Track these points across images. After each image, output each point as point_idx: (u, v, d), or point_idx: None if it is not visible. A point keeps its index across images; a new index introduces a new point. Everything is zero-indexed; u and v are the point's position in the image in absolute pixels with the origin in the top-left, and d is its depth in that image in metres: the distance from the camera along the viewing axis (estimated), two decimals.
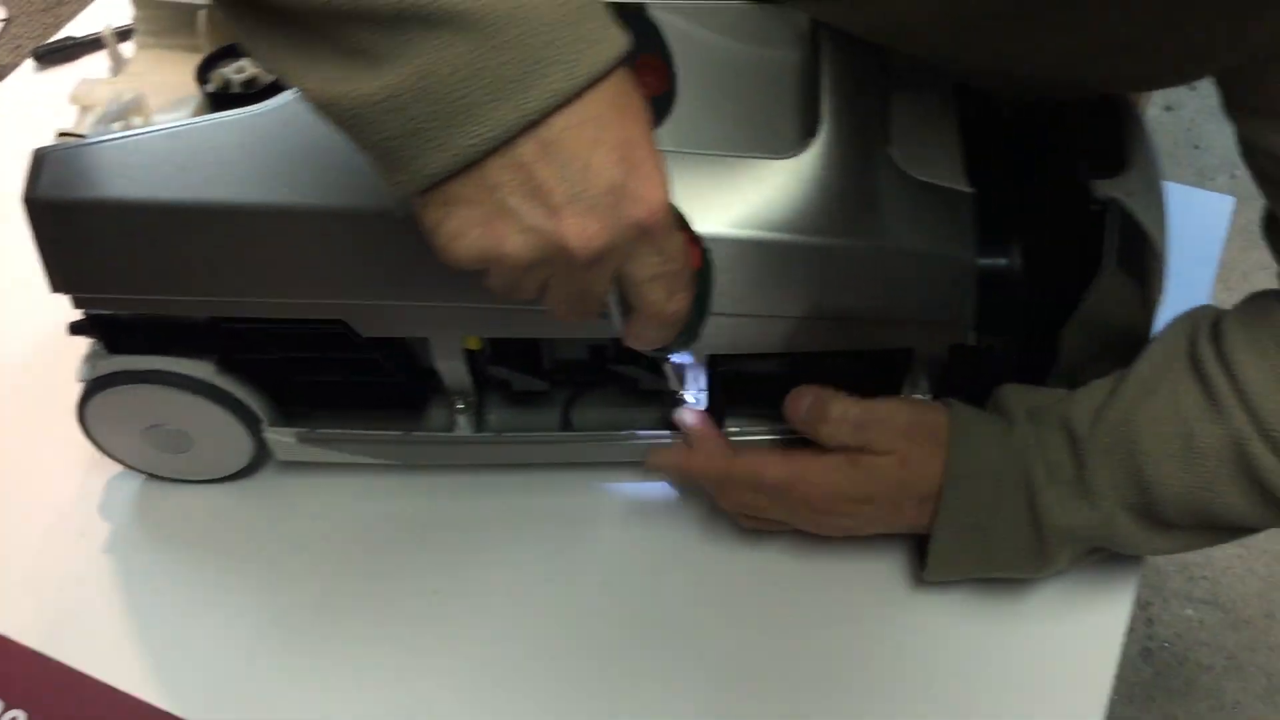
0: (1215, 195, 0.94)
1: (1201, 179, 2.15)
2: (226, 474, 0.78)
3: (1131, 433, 0.65)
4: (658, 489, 0.78)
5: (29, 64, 1.06)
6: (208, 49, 0.68)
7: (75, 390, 0.71)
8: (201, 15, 0.69)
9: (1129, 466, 0.65)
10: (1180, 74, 0.61)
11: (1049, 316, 0.67)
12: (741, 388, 0.73)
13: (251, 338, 0.68)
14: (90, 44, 1.05)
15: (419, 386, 0.74)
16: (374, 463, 0.77)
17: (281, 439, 0.74)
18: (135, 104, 0.65)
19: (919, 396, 0.71)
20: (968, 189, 0.64)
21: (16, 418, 0.83)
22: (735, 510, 0.73)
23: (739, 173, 0.62)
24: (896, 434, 0.68)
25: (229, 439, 0.74)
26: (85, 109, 0.66)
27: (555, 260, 0.48)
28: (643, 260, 0.50)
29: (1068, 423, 0.67)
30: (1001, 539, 0.67)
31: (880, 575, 0.74)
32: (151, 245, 0.63)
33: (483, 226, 0.47)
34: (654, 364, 0.71)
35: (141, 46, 0.70)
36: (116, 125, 0.65)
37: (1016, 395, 0.70)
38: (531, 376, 0.73)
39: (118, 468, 0.79)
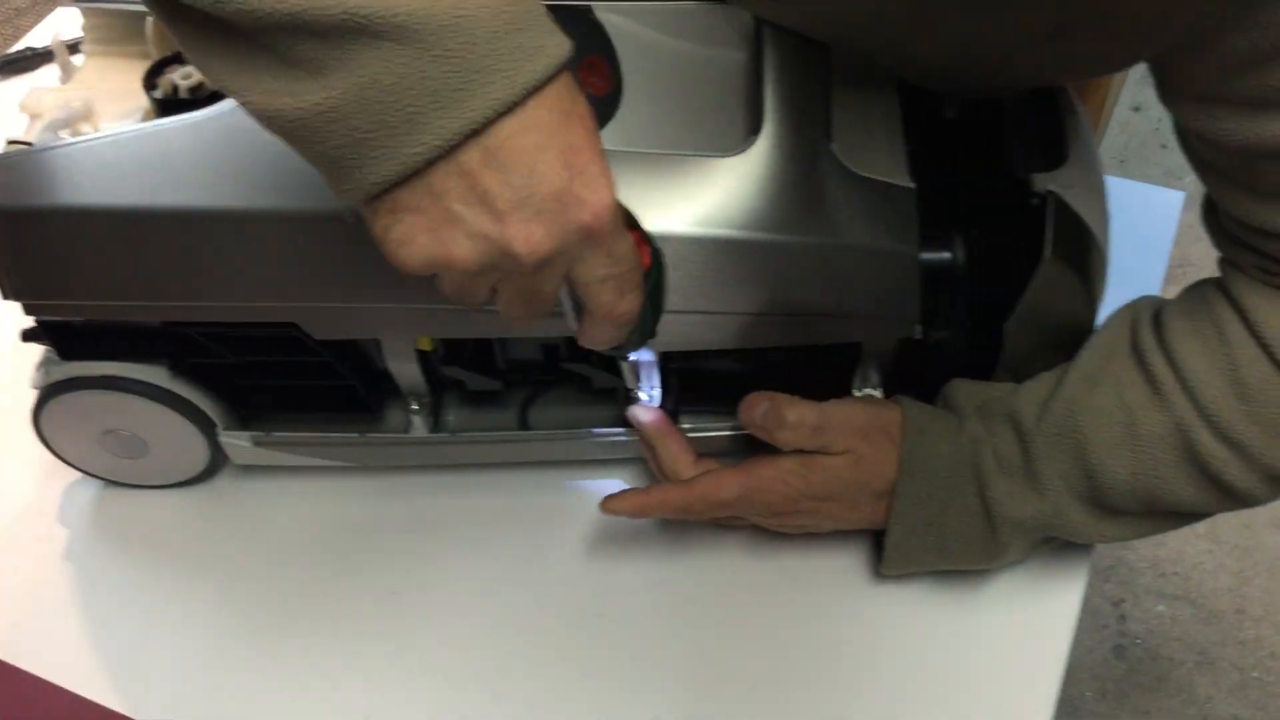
0: (1166, 191, 0.95)
1: (1169, 179, 2.16)
2: (184, 479, 0.78)
3: (1077, 422, 0.66)
4: (612, 487, 0.78)
5: None
6: (156, 56, 0.68)
7: (30, 397, 0.71)
8: (149, 23, 0.69)
9: (1075, 455, 0.66)
10: (1110, 62, 0.62)
11: (993, 310, 0.67)
12: (694, 384, 0.74)
13: (204, 342, 0.69)
14: (49, 54, 1.05)
15: (374, 388, 0.74)
16: (331, 465, 0.77)
17: (237, 443, 0.74)
18: (83, 111, 0.65)
19: (870, 391, 0.72)
20: (910, 184, 0.65)
21: None
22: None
23: (684, 171, 0.62)
24: (852, 434, 0.68)
25: (185, 444, 0.75)
26: (34, 117, 0.66)
27: (503, 265, 0.49)
28: (591, 263, 0.51)
29: (1014, 415, 0.68)
30: (955, 531, 0.68)
31: (839, 571, 0.75)
32: (101, 251, 0.63)
33: (430, 233, 0.47)
34: (608, 362, 0.71)
35: (90, 55, 0.70)
36: (65, 133, 0.65)
37: (966, 391, 0.71)
38: (485, 376, 0.73)
39: (75, 474, 0.79)
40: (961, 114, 0.73)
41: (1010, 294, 0.66)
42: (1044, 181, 0.66)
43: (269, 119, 0.46)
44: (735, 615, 0.73)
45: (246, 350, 0.70)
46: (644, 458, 0.75)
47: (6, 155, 0.62)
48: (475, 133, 0.45)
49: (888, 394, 0.72)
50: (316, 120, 0.45)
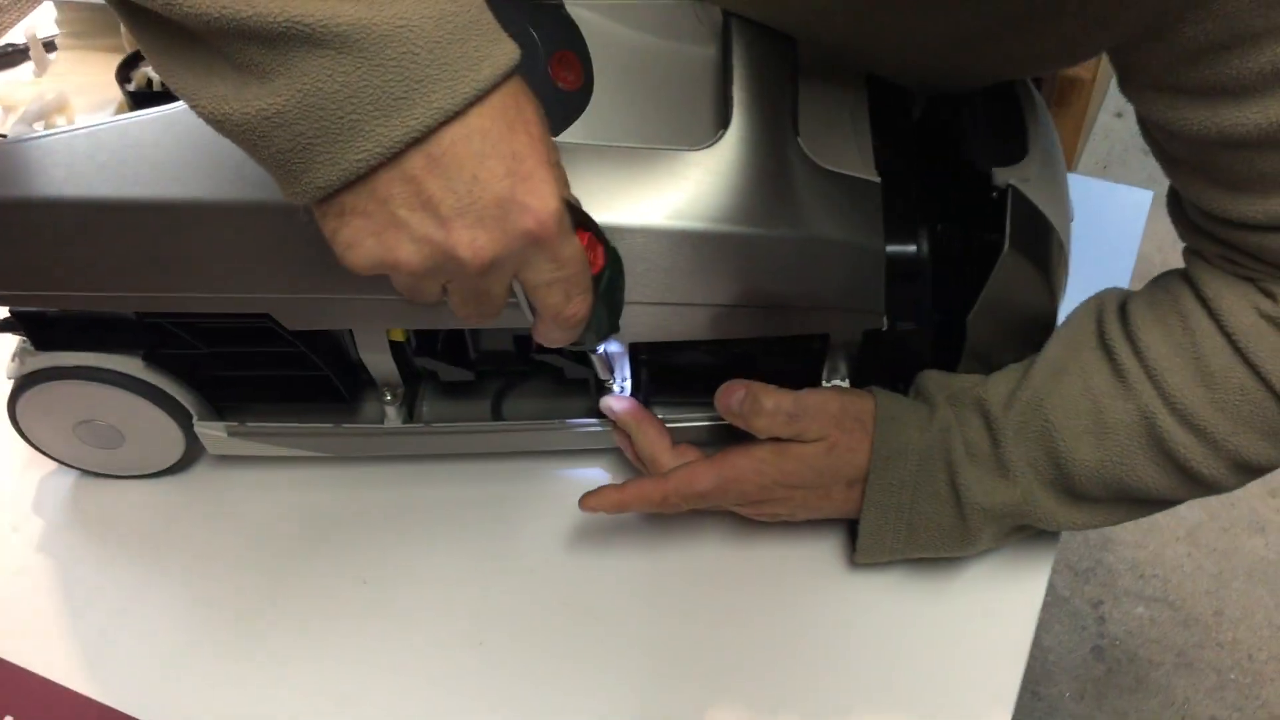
0: (1134, 189, 0.96)
1: (1152, 183, 2.15)
2: (159, 469, 0.79)
3: (1044, 411, 0.67)
4: (590, 477, 0.79)
5: None
6: (129, 50, 0.69)
7: (5, 387, 0.72)
8: None
9: (1043, 443, 0.67)
10: (1072, 53, 0.62)
11: (956, 301, 0.68)
12: (665, 376, 0.74)
13: (178, 333, 0.69)
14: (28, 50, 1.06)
15: (348, 379, 0.75)
16: (306, 455, 0.78)
17: (212, 433, 0.75)
18: (58, 104, 0.66)
19: (838, 383, 0.73)
20: (875, 178, 0.66)
21: None
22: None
23: (654, 164, 0.63)
24: (827, 422, 0.69)
25: (160, 434, 0.75)
26: (8, 109, 0.67)
27: (448, 268, 0.50)
28: (536, 267, 0.52)
29: (983, 404, 0.69)
30: (926, 518, 0.69)
31: (814, 560, 0.76)
32: (74, 242, 0.63)
33: (376, 236, 0.49)
34: (579, 354, 0.72)
35: (65, 48, 0.71)
36: (39, 124, 0.66)
37: (937, 381, 0.72)
38: (458, 367, 0.74)
39: (51, 464, 0.79)
40: (926, 110, 0.74)
41: (973, 286, 0.67)
42: (1004, 175, 0.67)
43: (218, 123, 0.47)
44: (711, 603, 0.74)
45: (220, 341, 0.70)
46: (619, 448, 0.76)
47: None
48: (418, 140, 0.47)
49: (856, 385, 0.73)
50: (263, 125, 0.46)
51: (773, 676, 0.71)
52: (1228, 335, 0.63)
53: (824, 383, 0.73)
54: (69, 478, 0.80)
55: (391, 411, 0.75)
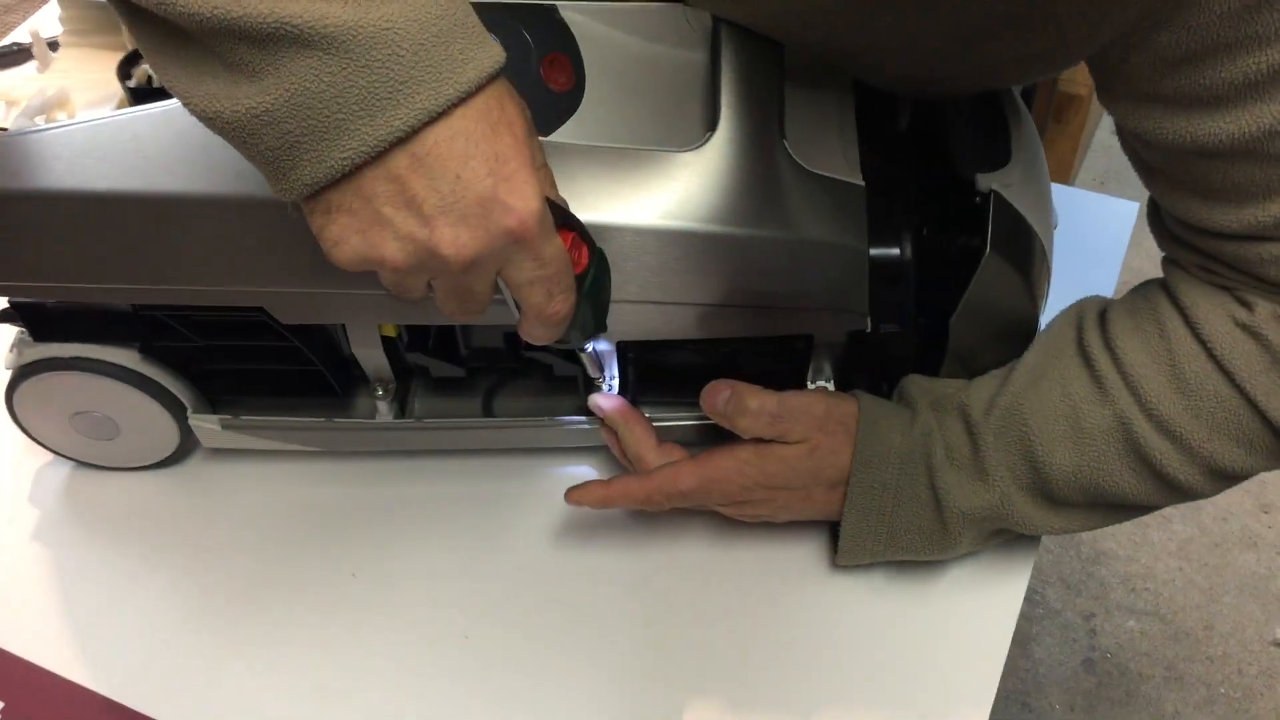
0: (1121, 200, 0.97)
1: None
2: (154, 461, 0.80)
3: (1023, 416, 0.68)
4: (578, 474, 0.80)
5: None
6: (130, 46, 0.70)
7: (3, 378, 0.73)
8: None
9: (1022, 448, 0.68)
10: (1053, 61, 0.63)
11: (940, 304, 0.69)
12: (652, 375, 0.75)
13: (174, 325, 0.70)
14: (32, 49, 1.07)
15: (341, 374, 0.76)
16: (299, 449, 0.79)
17: (206, 426, 0.76)
18: (59, 98, 0.67)
19: (822, 384, 0.74)
20: (860, 182, 0.67)
21: None
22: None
23: (643, 164, 0.64)
24: (811, 424, 0.70)
25: (155, 426, 0.76)
26: (10, 104, 0.68)
27: (431, 265, 0.51)
28: (519, 265, 0.53)
29: (964, 409, 0.70)
30: (906, 521, 0.70)
31: (797, 562, 0.76)
32: (73, 235, 0.64)
33: (361, 234, 0.50)
34: (568, 351, 0.73)
35: (68, 45, 0.72)
36: (40, 119, 0.67)
37: (920, 386, 0.73)
38: (449, 363, 0.75)
39: (47, 455, 0.80)
40: (912, 116, 0.75)
41: (955, 289, 0.68)
42: (988, 181, 0.68)
43: (210, 121, 0.48)
44: (695, 602, 0.75)
45: (215, 334, 0.71)
46: (607, 445, 0.77)
47: None
48: (403, 140, 0.48)
49: (839, 387, 0.74)
50: (252, 123, 0.47)
51: (755, 674, 0.71)
52: (1204, 343, 0.64)
53: (809, 384, 0.74)
54: (64, 469, 0.81)
55: (383, 407, 0.76)
